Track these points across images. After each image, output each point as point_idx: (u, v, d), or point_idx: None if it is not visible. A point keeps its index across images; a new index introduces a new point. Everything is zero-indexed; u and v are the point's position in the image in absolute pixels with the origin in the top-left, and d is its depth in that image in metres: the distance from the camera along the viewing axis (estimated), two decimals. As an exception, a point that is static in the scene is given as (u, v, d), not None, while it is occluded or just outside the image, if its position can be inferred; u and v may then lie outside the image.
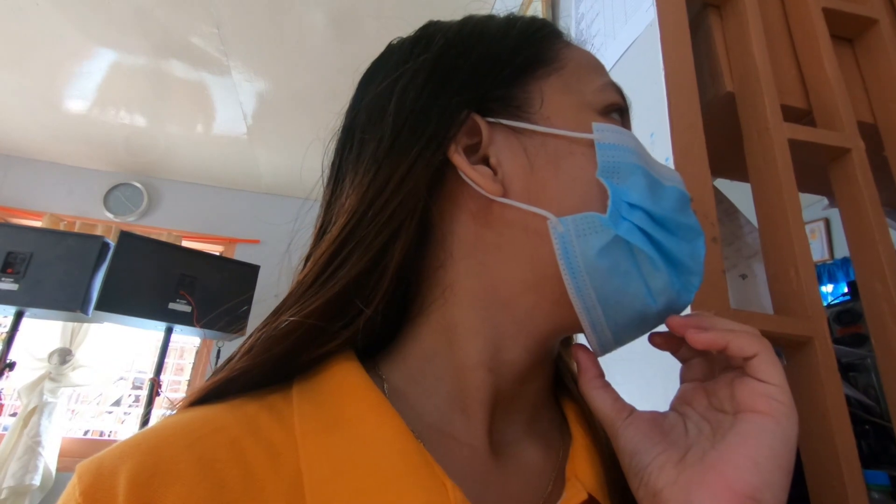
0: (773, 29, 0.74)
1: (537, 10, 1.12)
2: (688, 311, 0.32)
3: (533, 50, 0.33)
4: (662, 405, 0.31)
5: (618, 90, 0.34)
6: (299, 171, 2.81)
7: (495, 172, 0.30)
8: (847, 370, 0.73)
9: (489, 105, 0.31)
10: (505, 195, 0.30)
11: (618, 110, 0.33)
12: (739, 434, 0.25)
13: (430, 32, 0.34)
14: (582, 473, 0.30)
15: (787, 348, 0.53)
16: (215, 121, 2.43)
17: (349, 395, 0.28)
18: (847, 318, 0.75)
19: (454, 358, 0.31)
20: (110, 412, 2.83)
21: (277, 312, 0.30)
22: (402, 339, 0.33)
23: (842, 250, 2.49)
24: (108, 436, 2.73)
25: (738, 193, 0.79)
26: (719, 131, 0.65)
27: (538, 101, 0.32)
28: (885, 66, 0.73)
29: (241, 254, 2.77)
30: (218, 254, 2.72)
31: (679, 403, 0.30)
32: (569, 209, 0.29)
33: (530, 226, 0.29)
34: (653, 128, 0.60)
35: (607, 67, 0.44)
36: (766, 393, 0.25)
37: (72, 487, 0.23)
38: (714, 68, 0.71)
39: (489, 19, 0.35)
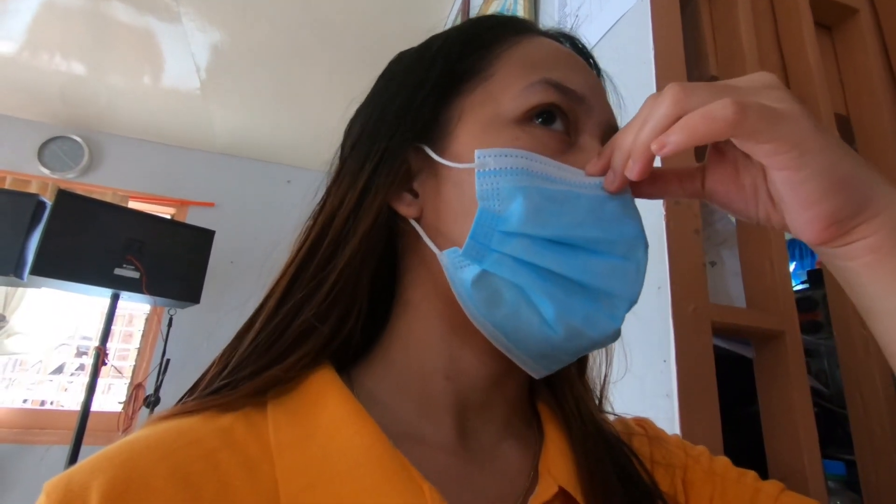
0: (758, 13, 0.73)
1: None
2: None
3: (454, 65, 0.32)
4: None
5: (555, 85, 0.31)
6: (258, 132, 2.67)
7: (416, 196, 0.32)
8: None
9: (416, 131, 0.31)
10: (420, 218, 0.31)
11: (546, 111, 0.30)
12: None
13: (393, 61, 0.36)
14: (554, 468, 0.31)
15: (759, 341, 0.54)
16: (164, 73, 2.24)
17: (325, 404, 0.29)
18: (805, 306, 0.77)
19: (414, 365, 0.32)
20: (51, 380, 2.68)
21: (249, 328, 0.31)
22: (375, 348, 0.34)
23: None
24: (51, 405, 2.60)
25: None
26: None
27: (455, 121, 0.31)
28: (862, 58, 0.74)
29: (194, 217, 2.63)
30: (169, 217, 2.57)
31: None
32: (459, 239, 0.29)
33: (429, 253, 0.30)
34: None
35: (590, 45, 0.41)
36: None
37: None
38: (700, 50, 0.69)
39: (432, 39, 0.35)
